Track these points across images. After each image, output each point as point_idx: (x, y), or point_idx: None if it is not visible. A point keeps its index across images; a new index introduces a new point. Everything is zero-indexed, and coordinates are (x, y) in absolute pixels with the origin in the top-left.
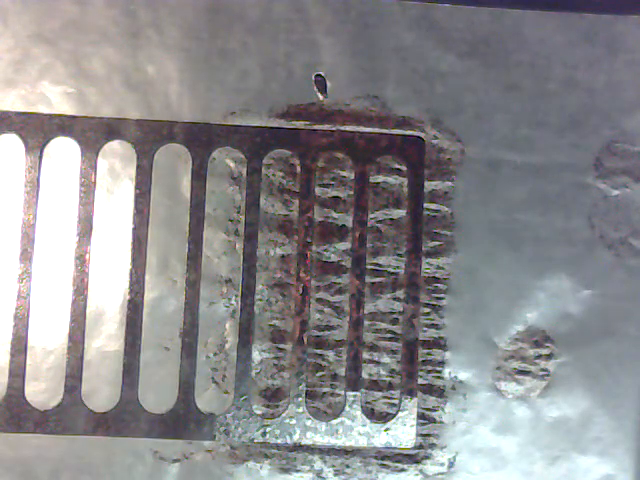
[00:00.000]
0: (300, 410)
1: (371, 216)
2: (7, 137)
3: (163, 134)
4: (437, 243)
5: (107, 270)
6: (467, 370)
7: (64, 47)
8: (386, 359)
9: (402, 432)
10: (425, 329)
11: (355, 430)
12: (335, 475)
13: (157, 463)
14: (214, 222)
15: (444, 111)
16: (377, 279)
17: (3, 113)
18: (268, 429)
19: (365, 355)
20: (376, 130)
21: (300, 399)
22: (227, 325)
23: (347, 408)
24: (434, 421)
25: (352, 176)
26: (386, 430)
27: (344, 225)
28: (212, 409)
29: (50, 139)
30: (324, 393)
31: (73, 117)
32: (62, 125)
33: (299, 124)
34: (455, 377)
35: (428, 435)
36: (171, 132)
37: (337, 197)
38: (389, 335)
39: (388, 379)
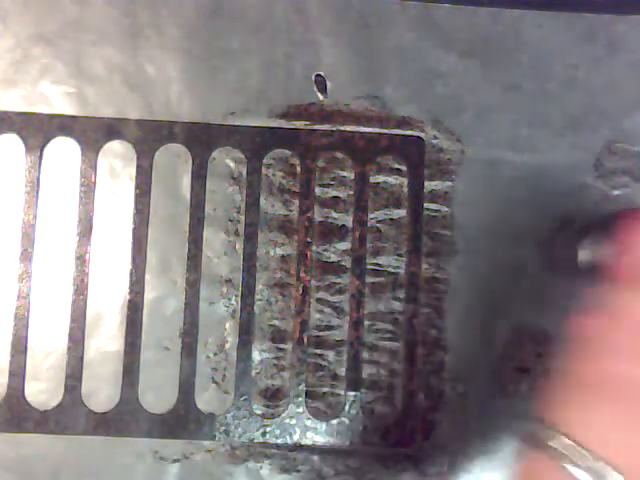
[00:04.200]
0: (300, 410)
1: (371, 216)
2: (7, 137)
3: (163, 134)
4: (437, 243)
5: (107, 270)
6: (467, 370)
7: (64, 47)
8: (386, 359)
9: (402, 432)
10: (425, 329)
11: (355, 430)
12: (335, 475)
13: (157, 463)
14: (214, 222)
15: (444, 111)
16: (377, 279)
17: (3, 113)
18: (268, 429)
19: (365, 355)
20: (376, 130)
21: (300, 399)
22: (227, 325)
23: (347, 408)
24: (434, 421)
25: (352, 176)
26: (386, 430)
27: (344, 225)
28: (212, 409)
29: (50, 139)
30: (324, 393)
31: (73, 117)
32: (62, 125)
33: (299, 124)
34: (455, 377)
35: (428, 436)
36: (171, 132)
37: (337, 197)
38: (389, 335)
39: (388, 379)
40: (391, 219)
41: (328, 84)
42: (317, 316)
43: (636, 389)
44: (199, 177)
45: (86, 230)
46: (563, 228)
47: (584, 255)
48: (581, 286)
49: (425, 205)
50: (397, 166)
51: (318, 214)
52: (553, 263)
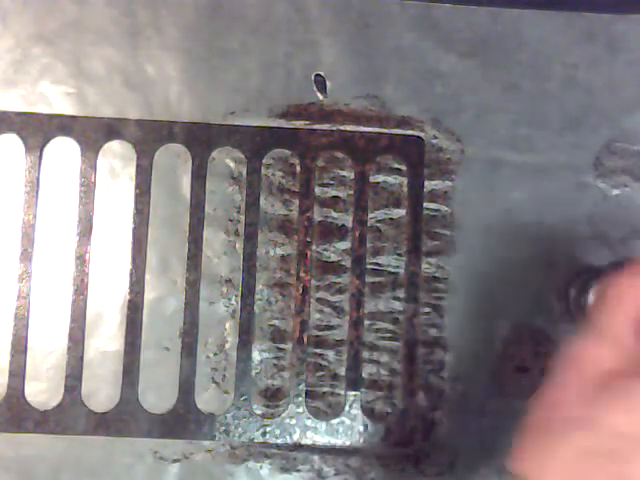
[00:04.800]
0: (300, 410)
1: (371, 216)
2: (7, 137)
3: (163, 134)
4: (437, 243)
5: (107, 270)
6: (467, 369)
7: (64, 47)
8: (386, 359)
9: (402, 432)
10: (425, 328)
11: (355, 430)
12: (335, 475)
13: (157, 463)
14: (214, 222)
15: (444, 111)
16: (377, 279)
17: (3, 113)
18: (268, 429)
19: (365, 355)
20: (376, 130)
21: (300, 399)
22: (227, 325)
23: (347, 408)
24: (434, 421)
25: (352, 176)
26: (386, 430)
27: (344, 225)
28: (212, 409)
29: (50, 139)
30: (324, 393)
31: (73, 117)
32: (62, 125)
33: (299, 124)
34: (455, 377)
35: (428, 435)
36: (171, 132)
37: (337, 197)
38: (389, 335)
39: (388, 379)
40: (391, 219)
41: (328, 84)
42: (317, 316)
43: (590, 433)
44: (199, 177)
45: (86, 230)
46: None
47: (575, 299)
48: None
49: (425, 205)
50: (397, 166)
51: (318, 214)
52: (568, 312)
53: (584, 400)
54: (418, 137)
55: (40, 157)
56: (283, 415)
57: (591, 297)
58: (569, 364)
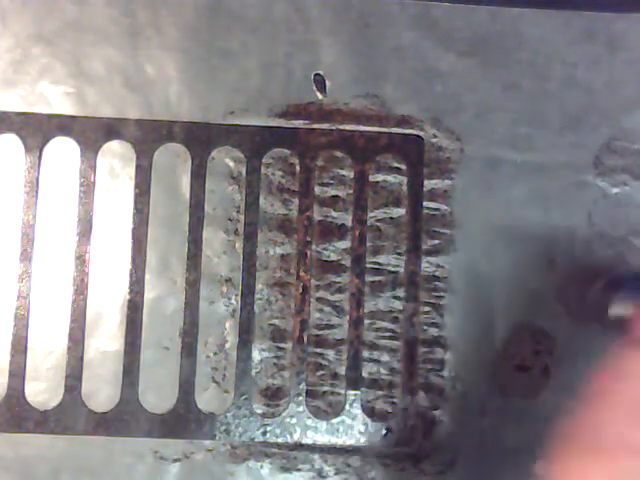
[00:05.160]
0: (300, 409)
1: (371, 215)
2: (7, 137)
3: (162, 134)
4: (437, 241)
5: (107, 270)
6: (467, 368)
7: (64, 47)
8: (386, 358)
9: (402, 431)
10: (425, 327)
11: (355, 429)
12: (335, 474)
13: (157, 463)
14: (214, 221)
15: (443, 110)
16: (377, 278)
17: (3, 113)
18: (268, 428)
19: (365, 354)
20: (375, 129)
21: (300, 398)
22: (227, 324)
23: (347, 407)
24: (434, 420)
25: (351, 175)
26: (386, 429)
27: (344, 224)
28: (212, 408)
29: (49, 139)
30: (324, 392)
31: (73, 117)
32: (61, 125)
33: (298, 123)
34: (455, 376)
35: (428, 434)
36: (171, 132)
37: (336, 196)
38: (389, 334)
39: (388, 378)
40: (391, 218)
41: (327, 83)
42: (317, 315)
43: (633, 452)
44: (198, 176)
45: (86, 230)
46: (596, 280)
47: (615, 310)
48: (610, 341)
49: (424, 203)
50: (396, 165)
51: (317, 213)
52: (585, 315)
53: (635, 420)
54: (418, 136)
55: (40, 157)
56: (283, 414)
57: (618, 307)
58: (617, 380)
